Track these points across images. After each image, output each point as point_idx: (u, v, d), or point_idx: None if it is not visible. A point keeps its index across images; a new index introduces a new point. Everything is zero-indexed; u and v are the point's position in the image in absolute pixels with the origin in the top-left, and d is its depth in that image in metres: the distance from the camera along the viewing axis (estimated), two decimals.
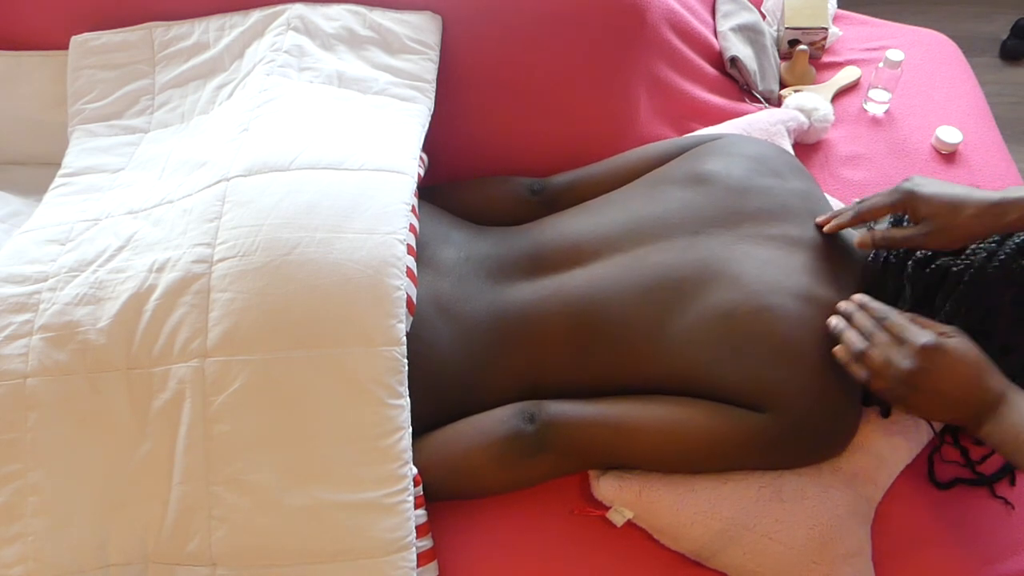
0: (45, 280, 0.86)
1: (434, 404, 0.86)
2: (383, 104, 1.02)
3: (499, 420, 0.85)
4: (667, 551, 0.85)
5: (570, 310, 0.88)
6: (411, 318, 0.84)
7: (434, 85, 1.06)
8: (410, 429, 0.79)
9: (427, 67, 1.08)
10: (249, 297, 0.80)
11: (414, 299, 0.85)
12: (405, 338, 0.80)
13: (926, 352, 0.72)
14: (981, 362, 0.72)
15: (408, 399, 0.80)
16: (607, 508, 0.86)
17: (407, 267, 0.83)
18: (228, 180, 0.88)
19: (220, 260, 0.82)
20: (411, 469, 0.79)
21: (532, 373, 0.88)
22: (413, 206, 0.90)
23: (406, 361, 0.80)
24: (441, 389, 0.87)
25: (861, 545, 0.82)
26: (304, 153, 0.90)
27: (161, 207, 0.91)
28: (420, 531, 0.80)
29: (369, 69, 1.06)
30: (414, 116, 1.02)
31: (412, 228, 0.88)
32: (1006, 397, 0.71)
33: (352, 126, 0.96)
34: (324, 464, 0.77)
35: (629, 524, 0.86)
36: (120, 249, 0.87)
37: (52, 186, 1.02)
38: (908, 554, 0.85)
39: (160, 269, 0.83)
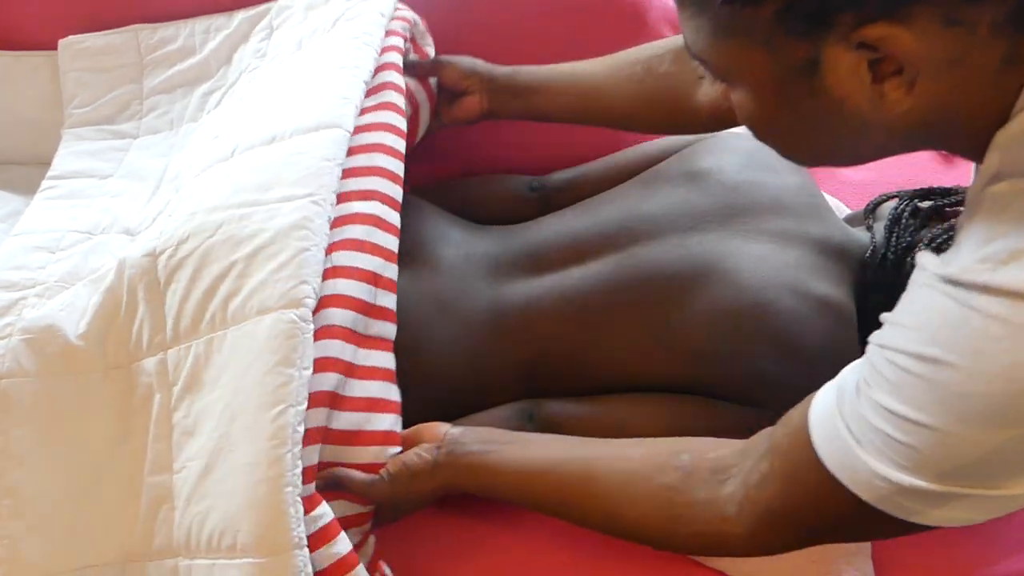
0: (32, 287, 0.87)
1: (433, 403, 0.86)
2: (332, 44, 0.96)
3: (498, 419, 0.85)
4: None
5: (567, 309, 0.88)
6: (391, 324, 0.81)
7: None
8: (303, 406, 0.71)
9: None
10: (185, 285, 0.79)
11: (391, 307, 0.82)
12: (311, 301, 0.74)
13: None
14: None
15: (308, 371, 0.71)
16: None
17: (386, 276, 0.81)
18: (187, 185, 0.89)
19: (161, 252, 0.82)
20: (293, 452, 0.69)
21: (531, 371, 0.89)
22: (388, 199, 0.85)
23: (309, 326, 0.73)
24: (440, 388, 0.87)
25: (860, 544, 0.82)
26: (243, 138, 0.89)
27: (152, 228, 0.92)
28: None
29: (327, 12, 1.02)
30: (363, 48, 0.93)
31: (392, 228, 0.84)
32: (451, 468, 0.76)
33: (292, 91, 0.93)
34: (239, 437, 0.72)
35: None
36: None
37: (40, 188, 1.03)
38: (908, 554, 0.84)
39: (123, 267, 0.83)
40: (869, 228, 0.91)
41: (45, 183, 1.03)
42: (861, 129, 0.54)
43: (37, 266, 0.89)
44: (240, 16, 1.10)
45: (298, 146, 0.84)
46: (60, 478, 0.80)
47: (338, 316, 0.76)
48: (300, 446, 0.70)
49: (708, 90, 0.82)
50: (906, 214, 0.88)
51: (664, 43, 0.94)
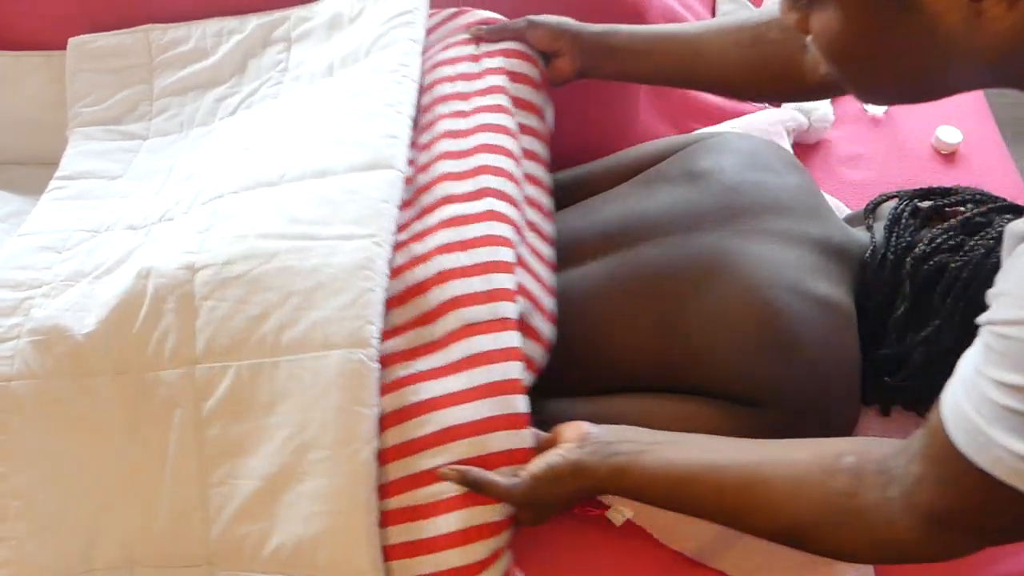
0: (39, 287, 0.87)
1: None
2: (370, 76, 0.96)
3: None
4: (667, 550, 0.85)
5: (568, 308, 0.88)
6: (451, 315, 0.79)
7: (426, 7, 1.00)
8: (375, 443, 0.73)
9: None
10: (231, 305, 0.79)
11: (449, 296, 0.79)
12: (376, 341, 0.76)
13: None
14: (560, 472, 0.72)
15: (376, 408, 0.74)
16: (606, 507, 0.86)
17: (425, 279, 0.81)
18: (222, 197, 0.88)
19: (202, 267, 0.81)
20: (369, 487, 0.73)
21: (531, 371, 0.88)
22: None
23: (376, 365, 0.75)
24: None
25: None
26: (292, 167, 0.89)
27: (160, 224, 0.92)
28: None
29: (357, 36, 1.02)
30: (403, 80, 0.94)
31: (447, 224, 0.83)
32: (619, 468, 0.72)
33: (338, 123, 0.93)
34: (312, 469, 0.75)
35: (629, 523, 0.85)
36: (119, 263, 0.87)
37: (48, 188, 1.02)
38: None
39: (147, 275, 0.83)
40: (869, 228, 0.91)
41: (53, 183, 1.02)
42: (950, 54, 0.52)
43: (43, 266, 0.89)
44: (254, 21, 1.09)
45: (353, 183, 0.85)
46: (67, 481, 0.80)
47: (385, 347, 0.77)
48: (375, 479, 0.73)
49: (816, 57, 0.83)
50: (906, 214, 0.88)
51: (768, 11, 0.91)
